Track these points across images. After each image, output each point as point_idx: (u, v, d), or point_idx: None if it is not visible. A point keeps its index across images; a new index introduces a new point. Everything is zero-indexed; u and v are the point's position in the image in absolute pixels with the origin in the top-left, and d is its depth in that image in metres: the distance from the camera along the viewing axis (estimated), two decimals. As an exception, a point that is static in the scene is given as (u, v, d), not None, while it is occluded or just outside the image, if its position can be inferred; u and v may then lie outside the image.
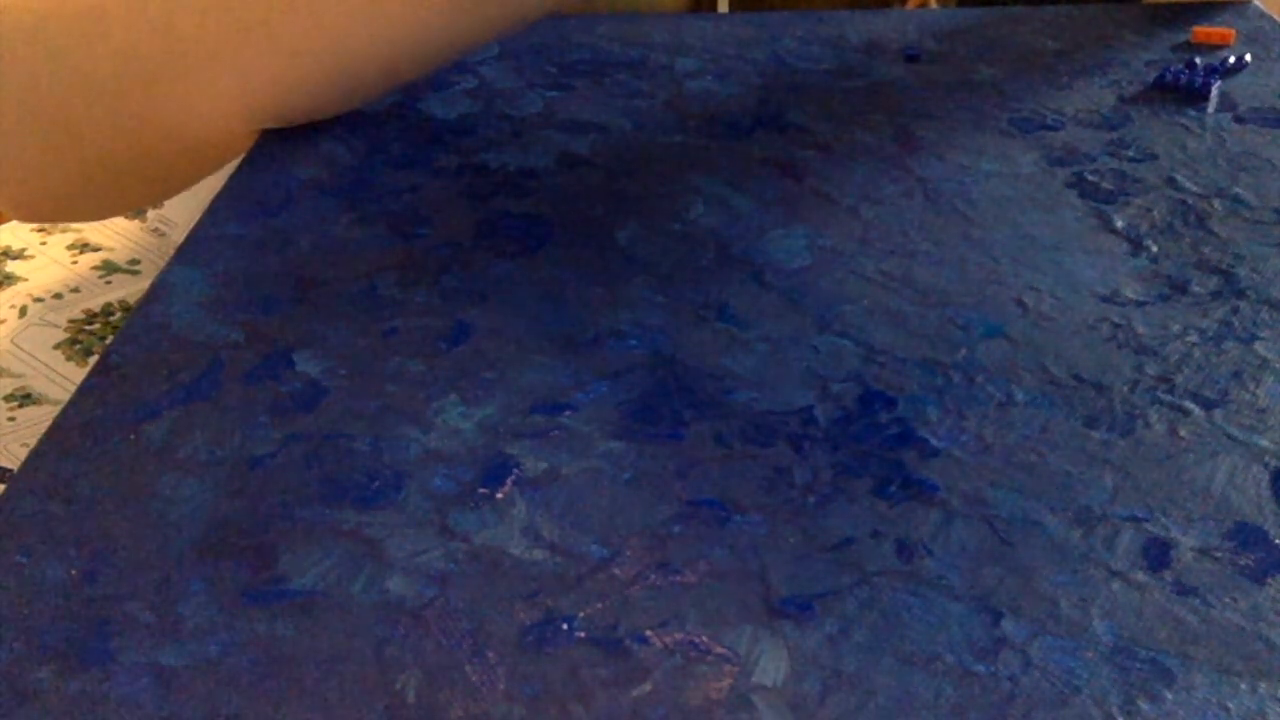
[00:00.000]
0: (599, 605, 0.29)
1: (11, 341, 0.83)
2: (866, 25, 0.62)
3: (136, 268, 0.91)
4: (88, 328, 0.85)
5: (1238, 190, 0.45)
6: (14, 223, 0.97)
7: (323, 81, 0.49)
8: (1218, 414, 0.34)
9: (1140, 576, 0.29)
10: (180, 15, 0.47)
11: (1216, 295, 0.39)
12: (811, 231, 0.44)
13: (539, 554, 0.30)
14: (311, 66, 0.48)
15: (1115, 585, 0.29)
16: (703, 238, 0.44)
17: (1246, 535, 0.30)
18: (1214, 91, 0.53)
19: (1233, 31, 0.58)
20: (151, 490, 0.33)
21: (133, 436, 0.35)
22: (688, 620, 0.28)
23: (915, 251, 0.42)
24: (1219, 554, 0.30)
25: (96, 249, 0.93)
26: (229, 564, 0.30)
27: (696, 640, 0.28)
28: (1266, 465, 0.32)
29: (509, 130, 0.52)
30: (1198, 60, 0.56)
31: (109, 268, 0.91)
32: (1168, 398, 0.35)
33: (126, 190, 0.57)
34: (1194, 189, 0.46)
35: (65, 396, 0.78)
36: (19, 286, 0.89)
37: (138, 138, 0.51)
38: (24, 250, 0.93)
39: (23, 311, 0.86)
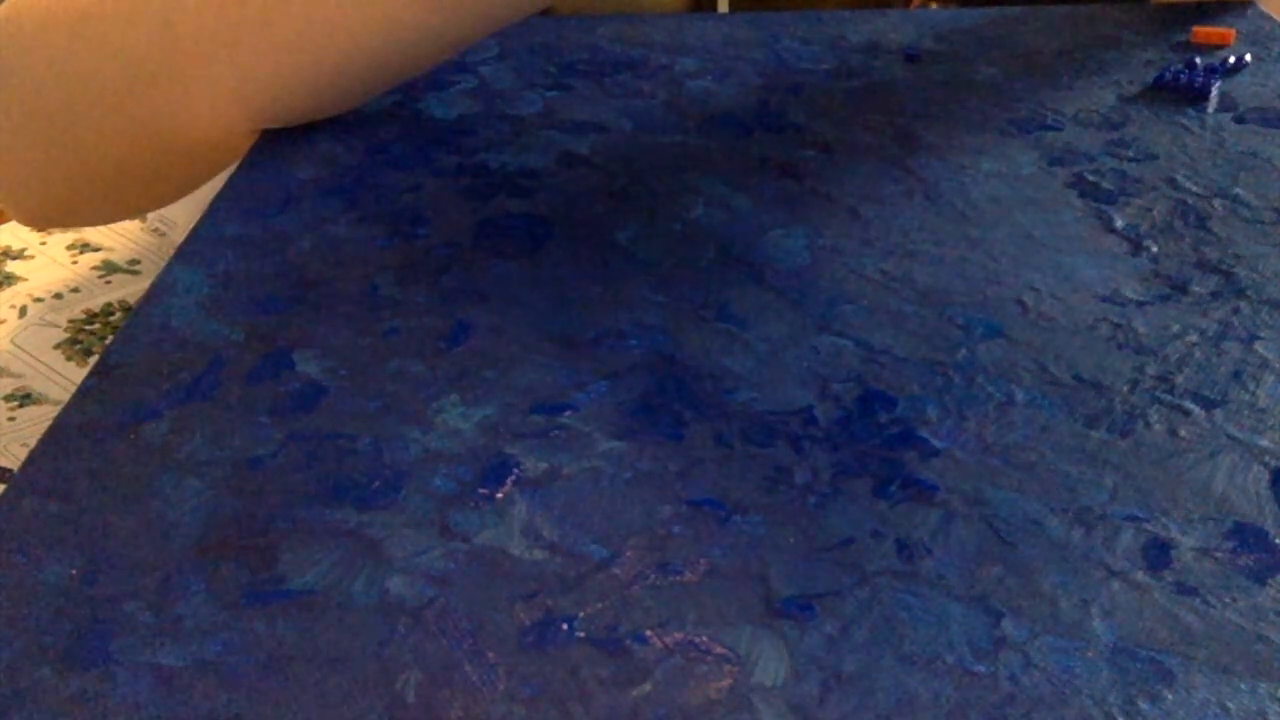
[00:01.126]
0: (599, 605, 0.29)
1: (11, 341, 0.83)
2: (866, 25, 0.62)
3: (136, 268, 0.91)
4: (88, 328, 0.85)
5: (1238, 190, 0.45)
6: (14, 223, 0.97)
7: (321, 80, 0.49)
8: (1218, 414, 0.34)
9: (1140, 577, 0.29)
10: (176, 16, 0.47)
11: (1216, 295, 0.39)
12: (811, 231, 0.44)
13: (539, 554, 0.30)
14: (309, 65, 0.48)
15: (1115, 585, 0.29)
16: (703, 238, 0.44)
17: (1246, 535, 0.30)
18: (1214, 91, 0.53)
19: (1233, 31, 0.58)
20: (151, 490, 0.33)
21: (133, 436, 0.35)
22: (688, 620, 0.28)
23: (915, 251, 0.42)
24: (1219, 554, 0.30)
25: (96, 249, 0.93)
26: (229, 564, 0.30)
27: (696, 640, 0.28)
28: (1266, 465, 0.32)
29: (509, 130, 0.52)
30: (1198, 60, 0.56)
31: (109, 268, 0.91)
32: (1168, 398, 0.35)
33: (129, 194, 0.57)
34: (1194, 189, 0.46)
35: (65, 396, 0.78)
36: (19, 286, 0.89)
37: (139, 140, 0.51)
38: (24, 250, 0.93)
39: (23, 311, 0.86)
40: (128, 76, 0.49)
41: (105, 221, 0.63)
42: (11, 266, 0.92)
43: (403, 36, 0.48)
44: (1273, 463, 0.32)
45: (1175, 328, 0.38)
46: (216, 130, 0.50)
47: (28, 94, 0.51)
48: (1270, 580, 0.29)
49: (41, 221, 0.59)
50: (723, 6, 0.80)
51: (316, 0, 0.46)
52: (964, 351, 0.37)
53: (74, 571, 0.30)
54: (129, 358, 0.38)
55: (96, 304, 0.88)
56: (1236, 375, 0.36)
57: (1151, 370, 0.36)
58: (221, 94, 0.48)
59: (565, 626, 0.28)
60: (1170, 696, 0.26)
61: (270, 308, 0.40)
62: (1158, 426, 0.34)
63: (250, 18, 0.47)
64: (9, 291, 0.89)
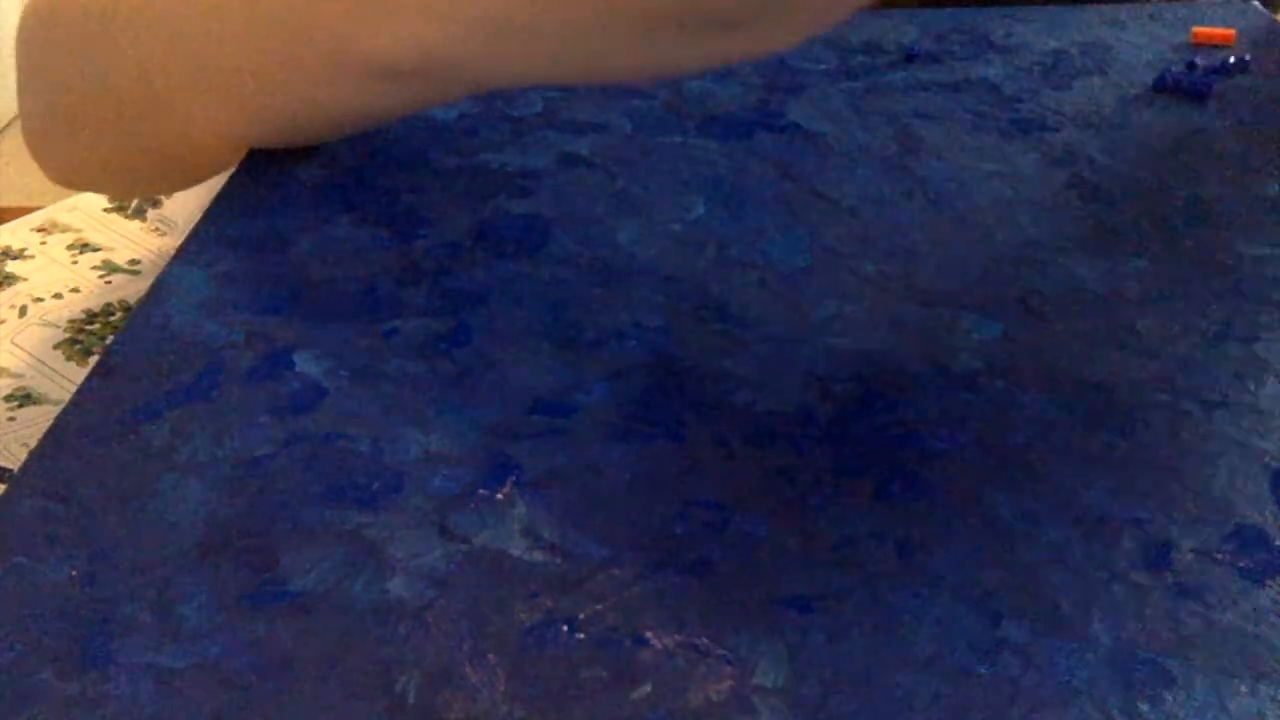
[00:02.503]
0: (599, 606, 0.29)
1: (11, 341, 0.83)
2: (866, 25, 0.62)
3: (136, 268, 0.91)
4: (88, 328, 0.84)
5: (1237, 190, 0.45)
6: (14, 223, 0.97)
7: (315, 115, 0.49)
8: (1218, 415, 0.34)
9: (1140, 578, 0.29)
10: (178, 36, 0.48)
11: (1216, 295, 0.39)
12: (811, 232, 0.44)
13: (539, 555, 0.30)
14: (302, 100, 0.48)
15: (1115, 587, 0.29)
16: (703, 238, 0.44)
17: (1247, 537, 0.30)
18: (1214, 91, 0.53)
19: (1233, 31, 0.58)
20: (151, 490, 0.32)
21: (133, 437, 0.35)
22: (688, 620, 0.28)
23: (915, 251, 0.42)
24: (1219, 556, 0.30)
25: (96, 249, 0.93)
26: (229, 565, 0.30)
27: (696, 641, 0.28)
28: (1267, 466, 0.32)
29: (509, 130, 0.52)
30: (1198, 60, 0.56)
31: (109, 268, 0.91)
32: (1167, 398, 0.35)
33: (139, 178, 0.61)
34: (1194, 189, 0.46)
35: (65, 396, 0.78)
36: (19, 286, 0.89)
37: (143, 139, 0.52)
38: (24, 250, 0.93)
39: (23, 311, 0.86)
40: (135, 83, 0.49)
41: (123, 196, 0.64)
42: (11, 266, 0.92)
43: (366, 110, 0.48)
44: (1273, 464, 0.32)
45: (1175, 328, 0.38)
46: (213, 142, 0.50)
47: (51, 79, 0.52)
48: (1270, 582, 0.29)
49: (66, 183, 0.61)
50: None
51: (272, 71, 0.46)
52: (964, 352, 0.37)
53: (74, 572, 0.30)
54: (129, 358, 0.38)
55: (96, 304, 0.88)
56: (1237, 376, 0.36)
57: (1151, 370, 0.36)
58: (219, 115, 0.48)
59: (565, 627, 0.28)
60: (1170, 698, 0.26)
61: (270, 308, 0.40)
62: (1158, 427, 0.34)
63: (244, 49, 0.47)
64: (9, 291, 0.89)
